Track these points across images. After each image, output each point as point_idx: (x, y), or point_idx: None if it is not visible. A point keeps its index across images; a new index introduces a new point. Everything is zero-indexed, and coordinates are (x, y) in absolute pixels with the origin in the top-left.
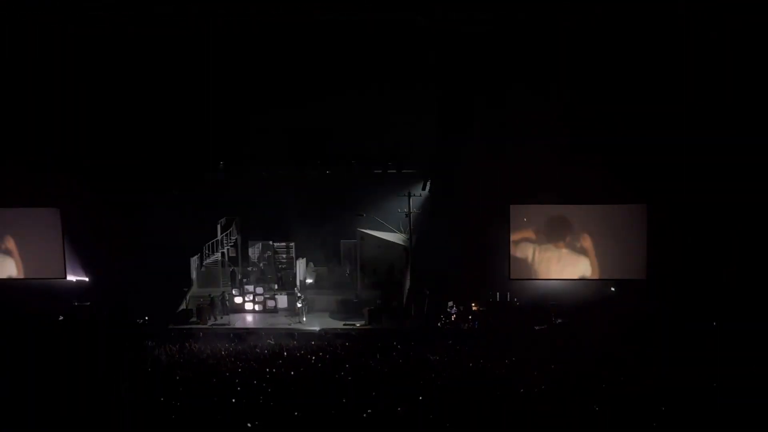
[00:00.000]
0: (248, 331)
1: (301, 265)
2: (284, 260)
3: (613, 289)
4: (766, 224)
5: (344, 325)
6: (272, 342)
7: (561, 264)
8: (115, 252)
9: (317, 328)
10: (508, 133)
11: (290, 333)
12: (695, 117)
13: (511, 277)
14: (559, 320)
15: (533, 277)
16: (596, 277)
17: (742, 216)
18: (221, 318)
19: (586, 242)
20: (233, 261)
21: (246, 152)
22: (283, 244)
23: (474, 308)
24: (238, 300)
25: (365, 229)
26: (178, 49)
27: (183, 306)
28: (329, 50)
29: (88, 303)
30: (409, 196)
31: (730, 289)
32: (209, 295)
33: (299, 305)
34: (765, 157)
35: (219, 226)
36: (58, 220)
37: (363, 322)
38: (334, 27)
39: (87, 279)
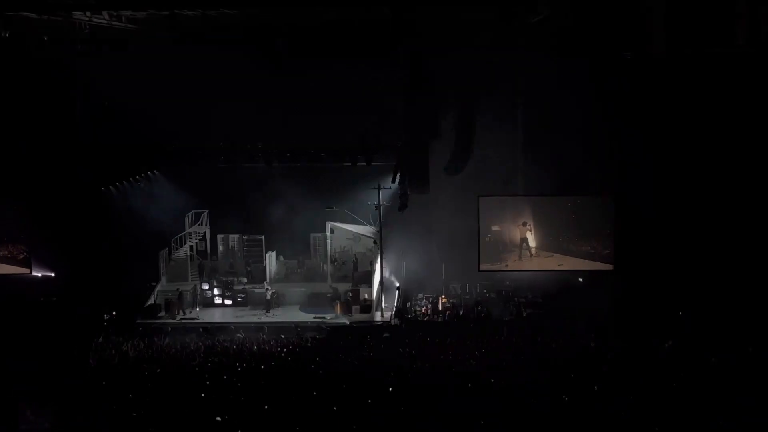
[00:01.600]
0: (217, 326)
1: (270, 259)
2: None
3: (581, 279)
4: (734, 213)
5: (315, 318)
6: (242, 336)
7: (530, 255)
8: (82, 246)
9: (287, 321)
10: (476, 125)
11: (260, 327)
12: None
13: (481, 269)
14: (528, 311)
15: (503, 269)
16: (564, 268)
17: (712, 205)
18: (190, 312)
19: (554, 233)
20: (202, 255)
21: (214, 145)
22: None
23: (443, 301)
24: (207, 294)
25: (335, 221)
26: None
27: (151, 300)
28: (297, 40)
29: (54, 298)
30: (379, 188)
31: (697, 280)
32: (177, 289)
33: (268, 297)
34: (732, 145)
35: (187, 220)
36: (23, 214)
37: (333, 315)
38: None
39: (53, 274)
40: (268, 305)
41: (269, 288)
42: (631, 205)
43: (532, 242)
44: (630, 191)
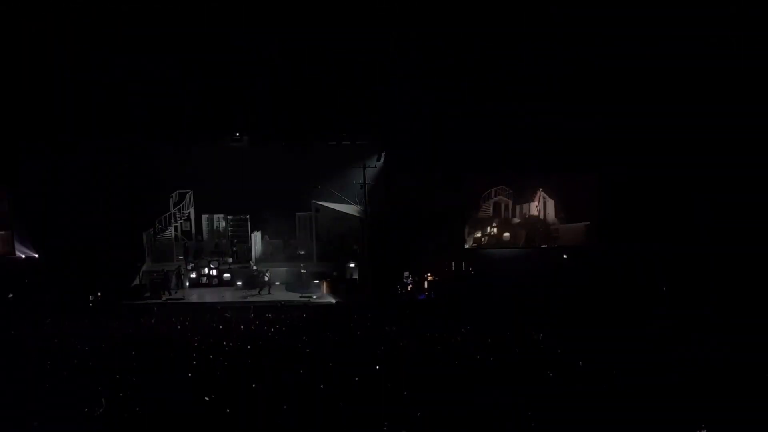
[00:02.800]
0: (203, 306)
1: (256, 239)
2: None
3: (565, 256)
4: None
5: (300, 297)
6: (229, 315)
7: (515, 232)
8: (66, 227)
9: (274, 300)
10: (459, 102)
11: (246, 306)
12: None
13: (466, 246)
14: (513, 288)
15: (488, 246)
16: (549, 245)
17: (694, 184)
18: (176, 293)
19: (538, 210)
20: (187, 235)
21: (200, 124)
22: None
23: (429, 278)
24: (193, 274)
25: (320, 201)
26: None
27: (137, 281)
28: (281, 19)
29: (41, 280)
30: (364, 167)
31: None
32: (163, 269)
33: (267, 279)
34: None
35: (171, 200)
36: (5, 197)
37: (319, 294)
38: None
39: (37, 255)
40: (266, 287)
41: (264, 269)
42: (617, 183)
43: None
44: (616, 169)
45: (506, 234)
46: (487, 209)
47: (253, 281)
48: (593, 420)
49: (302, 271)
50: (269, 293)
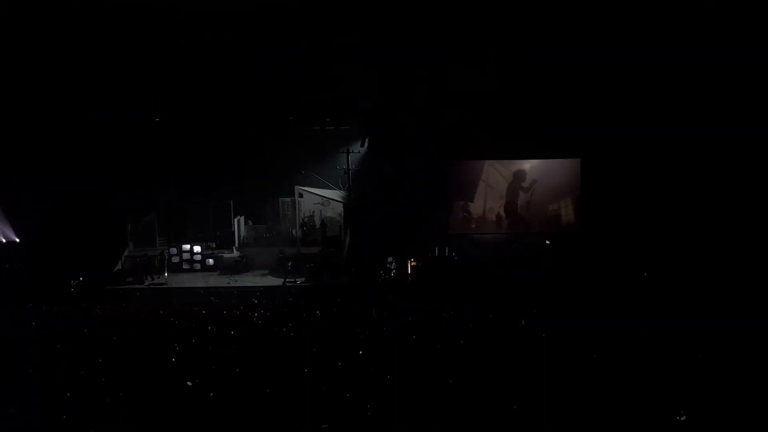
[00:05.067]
0: (187, 290)
1: (239, 224)
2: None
3: (548, 242)
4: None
5: (285, 282)
6: (215, 300)
7: (498, 217)
8: (47, 211)
9: (258, 286)
10: (445, 89)
11: (230, 291)
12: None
13: (450, 231)
14: (496, 273)
15: (472, 232)
16: (532, 230)
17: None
18: (158, 278)
19: (523, 196)
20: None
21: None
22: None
23: (413, 263)
24: (175, 259)
25: (304, 186)
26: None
27: (118, 266)
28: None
29: (20, 265)
30: (348, 152)
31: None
32: (145, 254)
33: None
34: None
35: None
36: None
37: (303, 279)
38: None
39: (17, 240)
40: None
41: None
42: (599, 168)
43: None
44: (598, 155)
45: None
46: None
47: (236, 266)
48: (578, 408)
49: (280, 255)
50: (294, 281)
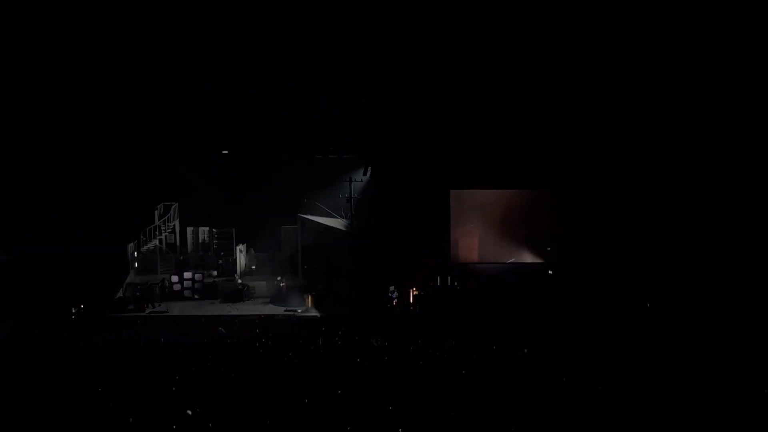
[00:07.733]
0: (187, 319)
1: (241, 252)
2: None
3: (550, 272)
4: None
5: (285, 311)
6: (223, 330)
7: (501, 248)
8: (49, 237)
9: (258, 314)
10: (447, 118)
11: (231, 320)
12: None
13: (452, 261)
14: (497, 304)
15: (474, 261)
16: (536, 261)
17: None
18: (159, 305)
19: (525, 226)
20: (171, 247)
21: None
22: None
23: (414, 293)
24: (177, 287)
25: (306, 214)
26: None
27: (120, 294)
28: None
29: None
30: (351, 181)
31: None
32: (147, 282)
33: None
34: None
35: (156, 213)
36: None
37: (304, 308)
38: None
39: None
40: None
41: (279, 278)
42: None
43: None
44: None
45: None
46: None
47: (238, 294)
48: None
49: (281, 284)
50: (296, 311)
